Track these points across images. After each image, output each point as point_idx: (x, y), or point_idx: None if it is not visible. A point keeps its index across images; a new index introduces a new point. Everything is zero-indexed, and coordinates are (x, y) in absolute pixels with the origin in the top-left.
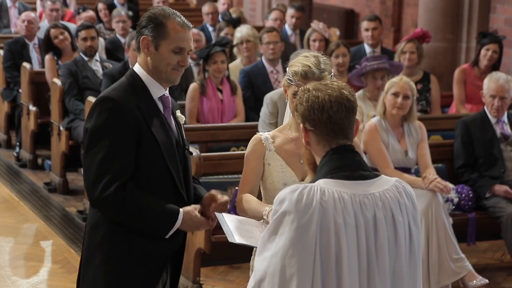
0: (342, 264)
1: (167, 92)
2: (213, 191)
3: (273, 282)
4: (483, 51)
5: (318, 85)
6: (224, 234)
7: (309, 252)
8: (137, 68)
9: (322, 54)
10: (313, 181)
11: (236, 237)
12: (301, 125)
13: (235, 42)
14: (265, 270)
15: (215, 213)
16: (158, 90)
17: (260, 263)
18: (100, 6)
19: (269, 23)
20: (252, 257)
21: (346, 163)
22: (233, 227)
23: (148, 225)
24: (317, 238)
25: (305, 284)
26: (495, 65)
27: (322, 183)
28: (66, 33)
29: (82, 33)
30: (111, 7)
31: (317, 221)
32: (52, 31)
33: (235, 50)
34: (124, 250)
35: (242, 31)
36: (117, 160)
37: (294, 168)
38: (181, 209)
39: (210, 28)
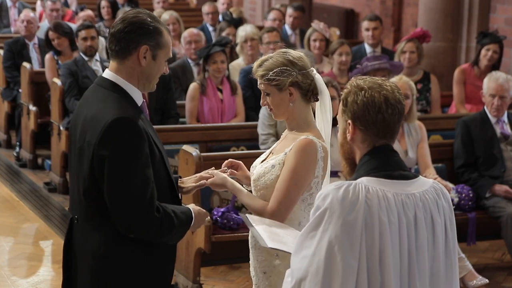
0: (386, 262)
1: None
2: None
3: (316, 280)
4: (483, 51)
5: (372, 84)
6: (225, 234)
7: (355, 249)
8: (113, 77)
9: (292, 58)
10: (354, 178)
11: (267, 242)
12: (349, 121)
13: (238, 40)
14: (306, 269)
15: (241, 215)
16: (139, 97)
17: (299, 262)
18: (103, 3)
19: (268, 23)
20: (251, 260)
21: (387, 162)
22: (261, 229)
23: (179, 235)
24: (362, 235)
25: (350, 282)
26: (495, 65)
27: (365, 180)
28: (63, 38)
29: (82, 33)
30: (114, 5)
31: (363, 219)
32: (50, 33)
33: (237, 48)
34: (147, 269)
35: (246, 30)
36: (150, 180)
37: (268, 156)
38: (189, 207)
39: (210, 28)
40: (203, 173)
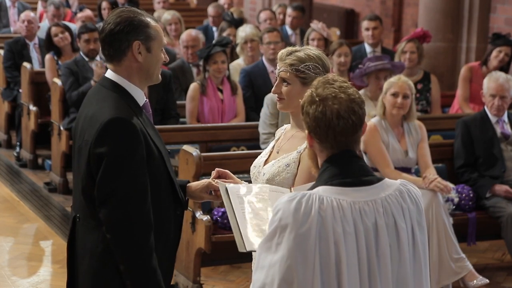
0: (342, 273)
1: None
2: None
3: None
4: (495, 52)
5: (327, 95)
6: (225, 234)
7: (308, 262)
8: (115, 77)
9: (315, 58)
10: (313, 187)
11: (246, 243)
12: (306, 131)
13: (238, 41)
14: (263, 281)
15: (219, 185)
16: (141, 97)
17: (258, 274)
18: (104, 4)
19: (262, 26)
20: (253, 261)
21: (348, 169)
22: (242, 219)
23: (137, 280)
24: (316, 247)
25: None
26: (503, 68)
27: (321, 190)
28: (67, 33)
29: (85, 36)
30: (114, 6)
31: (316, 231)
32: (53, 29)
33: (238, 49)
34: None
35: (246, 31)
36: (144, 181)
37: (270, 155)
38: None
39: (214, 28)
40: (212, 182)
